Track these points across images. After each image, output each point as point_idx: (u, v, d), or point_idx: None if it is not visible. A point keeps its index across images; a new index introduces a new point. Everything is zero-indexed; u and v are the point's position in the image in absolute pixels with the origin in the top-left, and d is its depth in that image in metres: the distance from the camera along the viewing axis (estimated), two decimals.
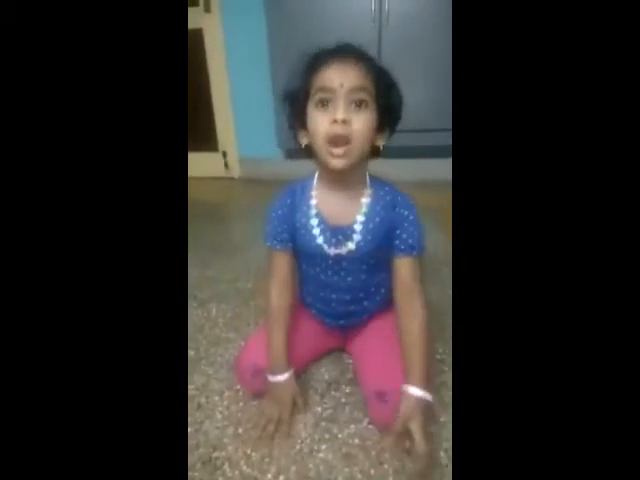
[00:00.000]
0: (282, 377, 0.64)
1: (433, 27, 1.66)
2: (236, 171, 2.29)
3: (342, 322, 0.71)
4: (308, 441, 0.61)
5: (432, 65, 1.72)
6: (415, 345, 0.58)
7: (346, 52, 0.54)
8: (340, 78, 0.52)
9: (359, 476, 0.55)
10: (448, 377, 0.71)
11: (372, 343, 0.68)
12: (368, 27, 1.69)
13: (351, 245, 0.62)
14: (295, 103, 0.58)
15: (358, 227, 0.61)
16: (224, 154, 2.28)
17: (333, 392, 0.70)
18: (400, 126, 0.59)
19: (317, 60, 0.55)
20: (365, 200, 0.61)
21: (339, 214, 0.62)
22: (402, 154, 1.87)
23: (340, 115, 0.51)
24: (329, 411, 0.66)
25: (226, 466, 0.58)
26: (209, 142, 2.25)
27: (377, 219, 0.61)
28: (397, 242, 0.61)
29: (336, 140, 0.53)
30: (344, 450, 0.59)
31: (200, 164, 2.24)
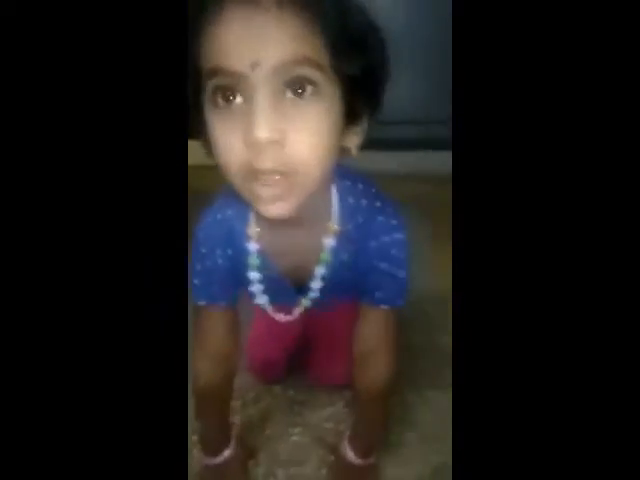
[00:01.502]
0: (226, 454, 0.50)
1: (426, 15, 1.66)
2: None
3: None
4: (281, 424, 0.60)
5: (420, 56, 1.72)
6: (367, 413, 0.49)
7: None
8: (251, 48, 0.26)
9: (333, 458, 0.54)
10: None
11: (323, 328, 0.63)
12: None
13: (306, 303, 0.45)
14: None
15: (316, 283, 0.42)
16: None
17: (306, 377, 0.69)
18: (388, 118, 0.41)
19: (209, 6, 0.27)
20: (328, 241, 0.39)
21: (288, 264, 0.42)
22: (389, 147, 1.87)
23: (262, 132, 0.26)
24: (303, 395, 0.65)
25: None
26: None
27: (343, 270, 0.41)
28: (362, 292, 0.43)
29: (262, 177, 0.29)
30: (317, 434, 0.58)
31: (199, 152, 2.19)
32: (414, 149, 1.94)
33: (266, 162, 0.28)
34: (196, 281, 0.42)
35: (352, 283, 0.42)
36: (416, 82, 1.73)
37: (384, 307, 0.43)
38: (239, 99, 0.28)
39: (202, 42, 0.28)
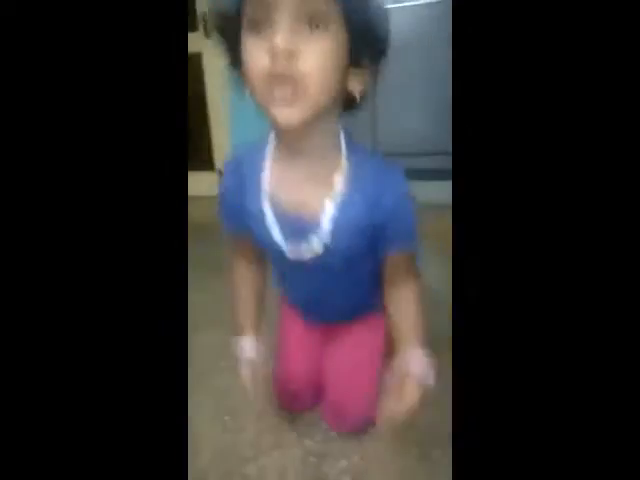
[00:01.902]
0: (245, 342, 0.57)
1: (426, 56, 1.71)
2: None
3: (320, 319, 0.63)
4: (297, 479, 0.59)
5: (425, 92, 1.76)
6: (409, 317, 0.51)
7: None
8: None
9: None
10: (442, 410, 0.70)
11: (346, 352, 0.62)
12: None
13: (316, 246, 0.45)
14: (226, 32, 0.40)
15: (326, 221, 0.44)
16: (220, 173, 2.30)
17: (323, 424, 0.68)
18: (395, 149, 0.51)
19: None
20: (338, 178, 0.43)
21: (302, 200, 0.44)
22: None
23: (280, 41, 0.34)
24: (318, 445, 0.64)
25: None
26: (204, 161, 2.27)
27: (352, 212, 0.44)
28: (382, 245, 0.47)
29: (277, 80, 0.36)
30: None
31: (196, 183, 2.25)
32: (416, 179, 1.97)
33: (281, 67, 0.35)
34: (219, 214, 0.52)
35: (364, 234, 0.44)
36: (420, 116, 1.77)
37: (403, 252, 0.48)
38: (267, 28, 0.35)
39: (244, 4, 0.36)
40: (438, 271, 1.25)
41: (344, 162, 0.43)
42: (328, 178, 0.43)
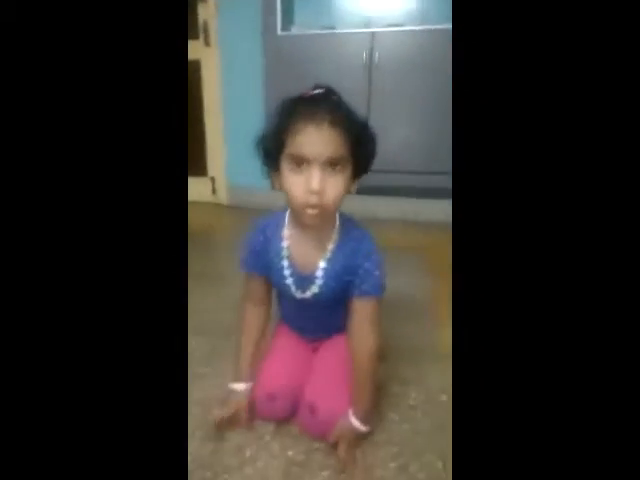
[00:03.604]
0: (239, 386, 0.72)
1: (420, 73, 1.76)
2: (223, 198, 2.31)
3: (307, 335, 0.79)
4: None
5: (418, 110, 1.81)
6: (363, 383, 0.66)
7: (323, 112, 0.52)
8: (316, 147, 0.52)
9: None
10: (420, 424, 0.72)
11: (323, 359, 0.75)
12: (360, 74, 1.79)
13: (315, 289, 0.66)
14: (269, 150, 0.58)
15: (320, 273, 0.65)
16: (212, 180, 2.30)
17: (306, 437, 0.69)
18: (390, 167, 0.62)
19: (293, 119, 0.53)
20: (330, 246, 0.64)
21: (306, 260, 0.65)
22: (390, 193, 1.94)
23: (315, 186, 0.52)
24: (301, 456, 0.66)
25: None
26: (198, 167, 2.28)
27: (337, 266, 0.64)
28: (352, 287, 0.64)
29: (310, 206, 0.55)
30: None
31: (188, 188, 2.25)
32: (417, 197, 2.02)
33: (314, 200, 0.54)
34: (242, 257, 0.70)
35: (344, 279, 0.64)
36: (405, 135, 1.82)
37: (368, 298, 0.64)
38: (304, 166, 0.54)
39: (290, 134, 0.54)
40: (424, 284, 1.28)
41: (335, 235, 0.65)
42: (324, 245, 0.65)
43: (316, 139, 0.52)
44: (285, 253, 0.66)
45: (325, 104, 0.54)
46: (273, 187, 0.62)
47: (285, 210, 0.67)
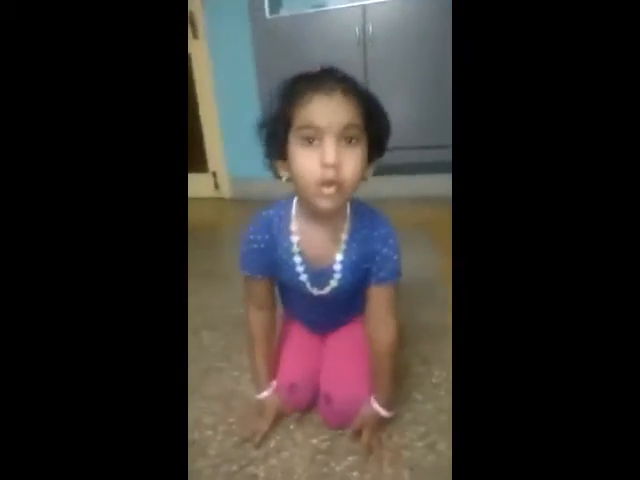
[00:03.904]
0: (264, 394, 0.69)
1: (415, 46, 1.70)
2: (227, 191, 2.29)
3: (319, 329, 0.76)
4: (305, 476, 0.59)
5: (416, 83, 1.76)
6: (384, 370, 0.63)
7: (331, 81, 0.48)
8: (328, 116, 0.47)
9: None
10: (445, 402, 0.70)
11: (335, 347, 0.72)
12: (354, 50, 1.73)
13: (333, 283, 0.61)
14: (274, 134, 0.52)
15: (337, 267, 0.60)
16: (214, 174, 2.28)
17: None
18: (391, 144, 0.56)
19: (300, 91, 0.49)
20: (344, 237, 0.59)
21: (320, 253, 0.60)
22: (392, 171, 1.90)
23: (331, 159, 0.46)
24: (326, 443, 0.64)
25: None
26: (198, 163, 2.26)
27: (354, 257, 0.59)
28: (370, 275, 0.60)
29: (326, 184, 0.48)
30: None
31: (190, 185, 2.23)
32: (417, 173, 1.98)
33: (330, 175, 0.48)
34: (242, 259, 0.63)
35: (362, 268, 0.60)
36: (403, 111, 1.77)
37: (386, 284, 0.60)
38: (316, 142, 0.48)
39: (300, 107, 0.48)
40: (431, 260, 1.26)
41: (348, 224, 0.59)
42: (337, 237, 0.59)
43: (329, 107, 0.47)
44: (296, 249, 0.59)
45: (332, 76, 0.49)
46: (277, 176, 0.56)
47: (289, 201, 0.61)
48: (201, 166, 2.27)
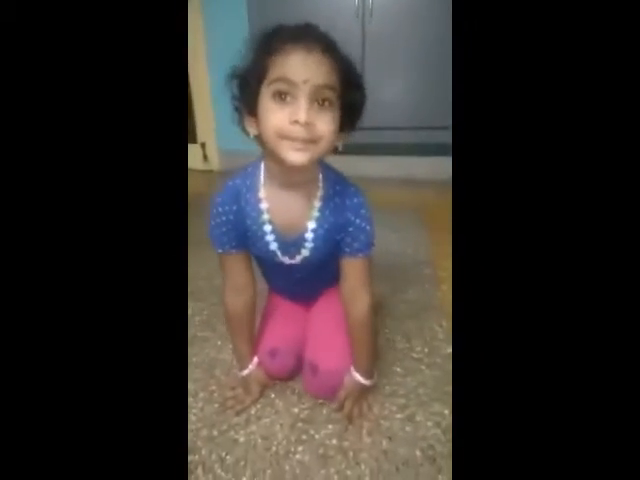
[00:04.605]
0: (247, 371, 0.69)
1: (417, 21, 1.66)
2: (215, 164, 2.24)
3: (300, 300, 0.76)
4: (284, 443, 0.60)
5: (416, 60, 1.72)
6: (361, 340, 0.64)
7: (313, 37, 0.46)
8: (305, 72, 0.44)
9: (336, 477, 0.55)
10: (425, 376, 0.72)
11: (320, 319, 0.72)
12: (352, 23, 1.68)
13: (305, 252, 0.60)
14: (245, 86, 0.49)
15: (309, 235, 0.58)
16: (203, 145, 2.22)
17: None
18: (381, 123, 0.56)
19: (276, 42, 0.46)
20: (317, 203, 0.57)
21: (291, 221, 0.58)
22: (384, 151, 1.88)
23: (303, 116, 0.44)
24: (306, 412, 0.65)
25: (199, 470, 0.56)
26: (187, 133, 2.20)
27: (326, 226, 0.57)
28: (343, 246, 0.59)
29: (295, 140, 0.46)
30: (321, 451, 0.59)
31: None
32: (415, 154, 1.96)
33: (301, 133, 0.46)
34: (212, 234, 0.59)
35: (335, 238, 0.59)
36: (418, 89, 1.74)
37: (360, 256, 0.59)
38: (289, 99, 0.46)
39: (275, 58, 0.46)
40: (420, 240, 1.27)
41: (320, 191, 0.57)
42: (309, 203, 0.57)
43: (306, 63, 0.45)
44: (266, 217, 0.57)
45: (315, 32, 0.48)
46: (245, 133, 0.52)
47: (256, 166, 0.57)
48: (189, 136, 2.21)
